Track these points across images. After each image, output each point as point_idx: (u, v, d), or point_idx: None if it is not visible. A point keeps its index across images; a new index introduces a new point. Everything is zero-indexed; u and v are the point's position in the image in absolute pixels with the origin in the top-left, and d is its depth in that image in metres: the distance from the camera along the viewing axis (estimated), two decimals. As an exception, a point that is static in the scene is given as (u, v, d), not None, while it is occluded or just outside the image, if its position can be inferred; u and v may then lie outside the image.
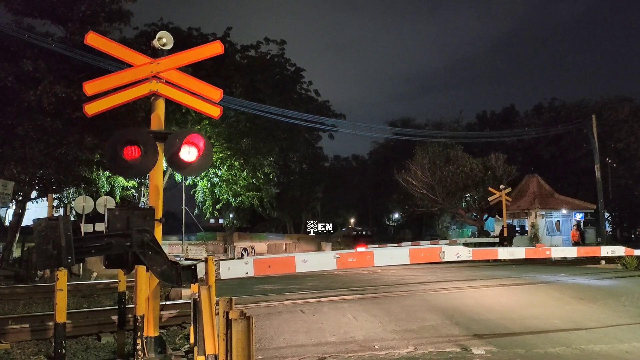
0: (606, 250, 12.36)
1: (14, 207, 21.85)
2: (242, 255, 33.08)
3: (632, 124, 41.08)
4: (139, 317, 5.47)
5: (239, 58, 31.87)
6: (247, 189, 32.35)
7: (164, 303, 7.12)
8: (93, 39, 6.23)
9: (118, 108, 9.20)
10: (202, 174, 29.75)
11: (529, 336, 7.27)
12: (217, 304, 4.31)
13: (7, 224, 24.08)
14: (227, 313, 3.60)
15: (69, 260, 4.61)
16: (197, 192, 33.08)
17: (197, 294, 5.20)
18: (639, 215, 46.87)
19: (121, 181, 26.14)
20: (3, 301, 11.69)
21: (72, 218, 5.52)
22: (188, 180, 32.10)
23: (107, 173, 23.75)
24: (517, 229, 33.17)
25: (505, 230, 27.33)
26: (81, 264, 17.46)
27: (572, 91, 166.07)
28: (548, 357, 6.35)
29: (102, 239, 5.12)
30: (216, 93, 6.78)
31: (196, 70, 15.91)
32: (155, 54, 6.42)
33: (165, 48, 6.44)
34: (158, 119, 6.37)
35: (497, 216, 33.43)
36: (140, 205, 24.14)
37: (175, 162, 6.24)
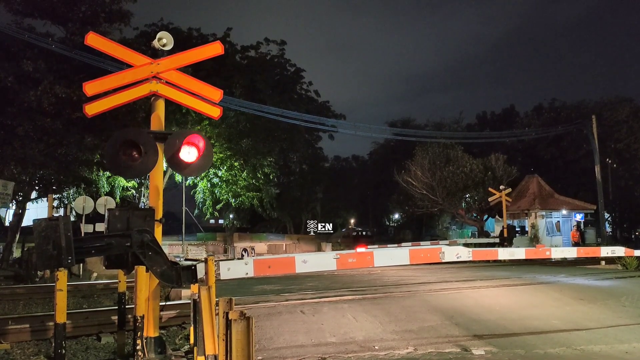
0: (606, 251, 12.36)
1: (14, 207, 21.86)
2: (242, 255, 33.07)
3: (632, 124, 41.09)
4: (138, 318, 5.47)
5: (239, 58, 31.89)
6: (247, 190, 32.36)
7: (163, 303, 7.11)
8: (93, 40, 6.23)
9: (118, 108, 9.19)
10: (202, 175, 29.74)
11: (528, 337, 7.27)
12: (217, 304, 4.32)
13: (7, 224, 24.09)
14: (227, 313, 3.60)
15: (69, 261, 4.61)
16: (197, 192, 33.08)
17: (197, 295, 5.21)
18: (639, 216, 46.86)
19: (121, 181, 26.14)
20: (3, 301, 11.69)
21: (72, 218, 5.53)
22: (188, 181, 32.10)
23: (107, 173, 23.76)
24: (517, 229, 33.18)
25: (505, 230, 27.34)
26: (81, 265, 17.46)
27: (572, 92, 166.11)
28: (548, 358, 6.35)
29: (102, 240, 5.12)
30: (216, 93, 6.78)
31: (196, 70, 16.04)
32: (156, 54, 6.42)
33: (166, 48, 6.44)
34: (158, 119, 6.38)
35: (497, 217, 33.44)
36: (140, 206, 24.16)
37: (175, 162, 6.24)
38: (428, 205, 34.74)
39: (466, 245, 25.25)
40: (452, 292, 10.98)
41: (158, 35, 6.44)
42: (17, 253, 20.39)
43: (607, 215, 39.56)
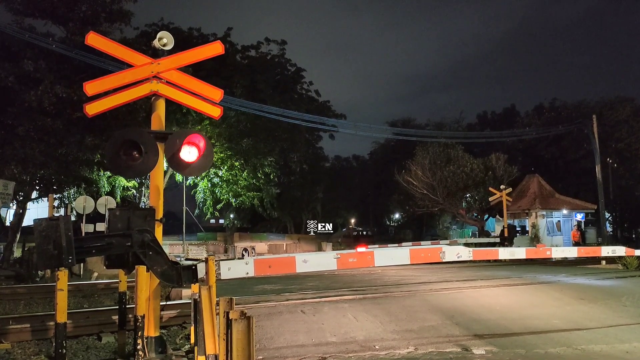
0: (607, 251, 12.37)
1: (14, 207, 21.87)
2: (243, 255, 33.08)
3: (633, 124, 41.08)
4: (139, 317, 5.47)
5: (239, 58, 31.89)
6: (248, 189, 32.36)
7: (164, 303, 7.12)
8: (94, 39, 6.23)
9: (119, 108, 9.21)
10: (203, 174, 29.75)
11: (529, 336, 7.26)
12: (217, 304, 4.32)
13: (7, 224, 24.10)
14: (228, 313, 3.60)
15: (70, 260, 4.61)
16: (198, 192, 33.09)
17: (197, 294, 5.21)
18: (640, 216, 46.88)
19: (122, 181, 26.15)
20: (4, 301, 11.70)
21: (72, 218, 5.53)
22: (189, 181, 32.10)
23: (108, 173, 23.76)
24: (518, 229, 33.17)
25: (505, 230, 27.32)
26: (82, 264, 17.46)
27: (572, 91, 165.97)
28: (548, 357, 6.34)
29: (103, 239, 5.12)
30: (217, 93, 6.78)
31: (196, 70, 16.02)
32: (156, 54, 6.42)
33: (166, 48, 6.44)
34: (158, 119, 6.38)
35: (497, 216, 33.42)
36: (140, 206, 24.17)
37: (175, 162, 6.24)
38: (428, 205, 34.73)
39: (467, 245, 25.26)
40: (452, 292, 10.98)
41: (158, 35, 6.44)
42: (17, 253, 20.38)
43: (607, 214, 39.53)
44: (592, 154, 33.57)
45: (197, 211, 35.55)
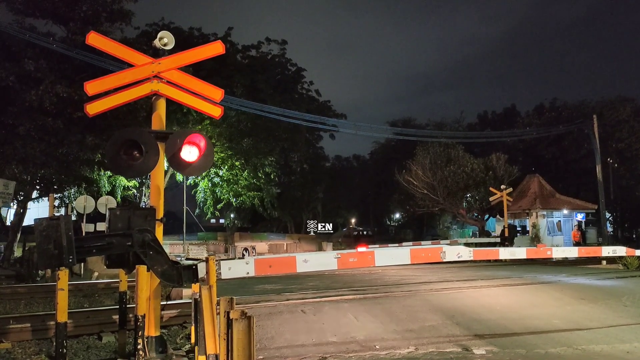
0: (607, 251, 12.36)
1: (15, 206, 21.89)
2: (243, 255, 33.08)
3: (634, 124, 41.05)
4: (140, 317, 5.47)
5: (240, 58, 31.91)
6: (248, 189, 32.37)
7: (165, 303, 7.12)
8: (94, 39, 6.23)
9: (119, 108, 9.21)
10: (203, 174, 29.76)
11: (530, 336, 7.26)
12: (218, 303, 4.32)
13: (8, 223, 24.12)
14: (228, 313, 3.60)
15: (70, 260, 4.62)
16: (198, 192, 33.11)
17: (198, 294, 5.21)
18: (640, 216, 46.85)
19: (122, 181, 26.16)
20: (4, 301, 11.71)
21: (73, 218, 5.53)
22: (189, 180, 32.12)
23: (108, 173, 23.78)
24: (518, 229, 33.16)
25: (506, 230, 27.31)
26: (82, 264, 17.47)
27: (573, 91, 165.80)
28: (549, 358, 6.34)
29: (103, 239, 5.12)
30: (217, 93, 6.79)
31: (197, 70, 16.05)
32: (157, 53, 6.43)
33: (167, 48, 6.44)
34: (159, 118, 6.38)
35: (498, 216, 33.41)
36: (141, 205, 24.17)
37: (176, 162, 6.24)
38: (429, 204, 34.72)
39: (467, 244, 25.27)
40: (453, 292, 10.98)
41: (159, 35, 6.44)
42: (18, 252, 20.40)
43: (608, 214, 39.52)
44: (593, 154, 33.56)
45: (197, 211, 35.59)
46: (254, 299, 10.22)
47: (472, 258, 8.47)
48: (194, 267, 5.57)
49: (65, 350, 4.65)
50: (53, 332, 5.92)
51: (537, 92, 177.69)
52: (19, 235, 20.68)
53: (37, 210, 26.36)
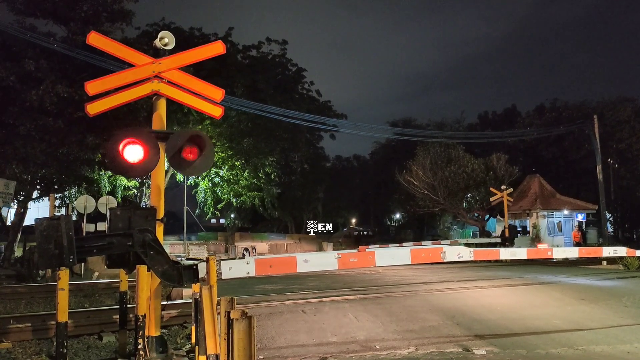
0: (608, 251, 12.34)
1: (15, 206, 21.90)
2: (244, 255, 33.09)
3: (634, 124, 41.03)
4: (140, 317, 5.48)
5: (240, 58, 31.88)
6: (249, 189, 32.35)
7: (165, 303, 7.12)
8: (95, 39, 6.23)
9: (120, 108, 9.20)
10: (204, 174, 29.75)
11: (530, 337, 7.26)
12: (218, 303, 4.32)
13: (9, 223, 24.13)
14: (229, 313, 3.60)
15: (71, 260, 4.62)
16: (199, 192, 33.08)
17: (198, 294, 5.21)
18: (641, 216, 46.81)
19: (123, 181, 26.15)
20: (5, 300, 11.72)
21: (73, 218, 5.54)
22: (189, 180, 32.10)
23: (109, 173, 23.78)
24: (519, 229, 33.14)
25: (506, 230, 27.30)
26: (83, 264, 17.49)
27: (574, 92, 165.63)
28: (549, 358, 6.34)
29: (104, 239, 5.13)
30: (218, 93, 6.79)
31: (197, 70, 16.03)
32: (157, 53, 6.43)
33: (167, 48, 6.45)
34: (160, 118, 6.38)
35: (498, 217, 33.41)
36: (141, 205, 24.17)
37: (176, 162, 6.24)
38: (429, 205, 34.72)
39: (467, 245, 25.23)
40: (453, 292, 10.98)
41: (160, 35, 6.44)
42: (18, 252, 20.41)
43: (608, 215, 39.50)
44: (593, 155, 33.55)
45: (197, 211, 35.55)
46: (255, 299, 10.22)
47: (472, 258, 8.46)
48: (194, 267, 5.57)
49: (65, 350, 4.65)
50: (53, 332, 5.92)
51: (538, 92, 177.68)
52: (19, 235, 20.69)
53: (38, 210, 26.38)
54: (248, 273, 6.39)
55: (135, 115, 18.87)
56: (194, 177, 30.42)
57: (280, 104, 29.22)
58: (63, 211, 23.36)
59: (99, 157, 20.33)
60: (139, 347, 5.45)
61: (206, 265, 5.36)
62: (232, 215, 46.66)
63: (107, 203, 19.35)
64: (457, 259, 8.08)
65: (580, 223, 33.09)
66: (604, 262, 19.12)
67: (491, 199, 29.38)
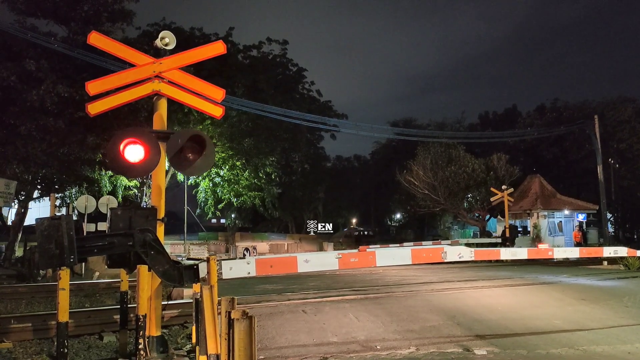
0: (608, 251, 12.34)
1: (16, 206, 21.91)
2: (244, 255, 33.09)
3: (635, 124, 41.01)
4: (141, 317, 5.48)
5: (241, 58, 31.92)
6: (249, 189, 32.36)
7: (165, 303, 7.12)
8: (96, 39, 6.24)
9: (120, 108, 9.20)
10: (204, 174, 29.76)
11: (531, 337, 7.25)
12: (219, 303, 4.32)
13: (9, 223, 24.14)
14: (229, 313, 3.60)
15: (72, 260, 4.62)
16: (199, 192, 33.10)
17: (199, 294, 5.21)
18: (642, 216, 46.79)
19: (123, 181, 26.16)
20: (5, 300, 11.72)
21: (74, 217, 5.53)
22: (190, 180, 32.12)
23: (110, 172, 23.79)
24: (519, 229, 33.13)
25: (507, 230, 27.29)
26: (83, 264, 17.49)
27: (574, 92, 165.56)
28: (550, 358, 6.34)
29: (105, 239, 5.13)
30: (218, 93, 6.79)
31: (198, 70, 16.03)
32: (158, 53, 6.43)
33: (168, 48, 6.45)
34: (160, 118, 6.38)
35: (499, 217, 33.39)
36: (142, 205, 24.16)
37: (177, 161, 6.25)
38: (430, 205, 34.72)
39: (468, 245, 25.22)
40: (454, 292, 10.97)
41: (160, 35, 6.44)
42: (19, 252, 20.42)
43: (609, 215, 39.49)
44: (594, 155, 33.53)
45: (198, 211, 35.59)
46: (255, 299, 10.23)
47: (473, 258, 8.46)
48: (195, 267, 5.57)
49: (66, 350, 4.65)
50: (54, 331, 5.93)
51: (539, 92, 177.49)
52: (20, 235, 20.71)
53: (38, 210, 26.37)
54: (249, 273, 6.39)
55: (136, 115, 18.87)
56: (194, 177, 30.44)
57: (280, 104, 29.25)
58: (64, 211, 23.36)
59: (100, 157, 20.33)
60: (140, 347, 5.45)
61: (207, 265, 5.35)
62: (233, 215, 46.67)
63: (107, 203, 19.36)
64: (457, 259, 8.08)
65: (580, 223, 33.06)
66: (605, 263, 19.11)
67: (492, 199, 29.36)
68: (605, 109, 41.95)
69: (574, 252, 15.41)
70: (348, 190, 58.83)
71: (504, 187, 28.81)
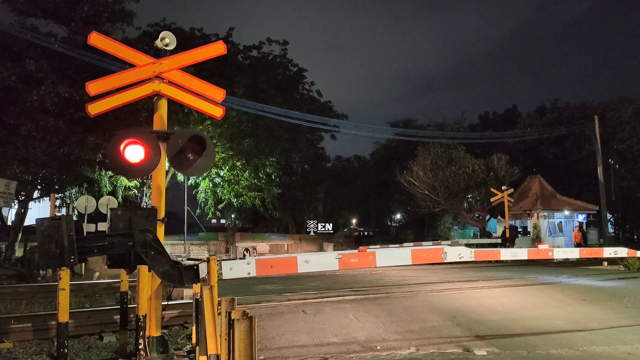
0: (609, 252, 12.36)
1: (16, 206, 21.91)
2: (244, 255, 33.07)
3: (635, 125, 41.03)
4: (141, 317, 5.48)
5: (241, 58, 31.93)
6: (249, 189, 32.37)
7: (166, 303, 7.12)
8: (96, 39, 6.24)
9: (121, 108, 9.21)
10: (205, 174, 29.76)
11: (531, 337, 7.25)
12: (219, 304, 4.32)
13: (9, 223, 24.14)
14: (230, 313, 3.59)
15: (72, 260, 4.62)
16: (199, 192, 33.10)
17: (199, 294, 5.21)
18: (642, 217, 46.77)
19: (124, 181, 26.16)
20: (5, 300, 11.72)
21: (74, 218, 5.53)
22: (190, 181, 32.13)
23: (110, 173, 23.79)
24: (520, 230, 33.14)
25: (507, 231, 27.29)
26: (83, 264, 17.47)
27: (574, 92, 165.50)
28: (550, 358, 6.33)
29: (105, 239, 5.12)
30: (219, 93, 6.79)
31: (198, 70, 16.03)
32: (158, 54, 6.43)
33: (168, 48, 6.45)
34: (160, 119, 6.38)
35: (499, 217, 33.41)
36: (142, 205, 24.17)
37: (177, 162, 6.25)
38: (430, 205, 34.73)
39: (468, 245, 25.23)
40: (454, 293, 10.97)
41: (161, 35, 6.44)
42: (19, 252, 20.43)
43: (609, 216, 39.48)
44: (594, 155, 33.55)
45: (198, 211, 35.60)
46: (255, 300, 10.23)
47: (473, 259, 8.47)
48: (195, 267, 5.57)
49: (66, 350, 4.65)
50: (54, 332, 5.93)
51: (539, 92, 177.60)
52: (20, 235, 20.70)
53: (39, 210, 26.40)
54: (249, 273, 6.40)
55: (136, 116, 18.88)
56: (194, 177, 30.45)
57: (281, 105, 29.26)
58: (64, 211, 23.38)
59: (100, 157, 20.32)
60: (140, 347, 5.45)
61: (207, 266, 5.35)
62: (233, 216, 46.67)
63: (107, 203, 19.35)
64: (457, 260, 8.09)
65: (581, 224, 33.07)
66: (605, 263, 19.10)
67: (492, 200, 29.37)
68: (606, 110, 41.98)
69: (574, 253, 15.43)
70: (348, 190, 58.85)
71: (504, 187, 28.82)
